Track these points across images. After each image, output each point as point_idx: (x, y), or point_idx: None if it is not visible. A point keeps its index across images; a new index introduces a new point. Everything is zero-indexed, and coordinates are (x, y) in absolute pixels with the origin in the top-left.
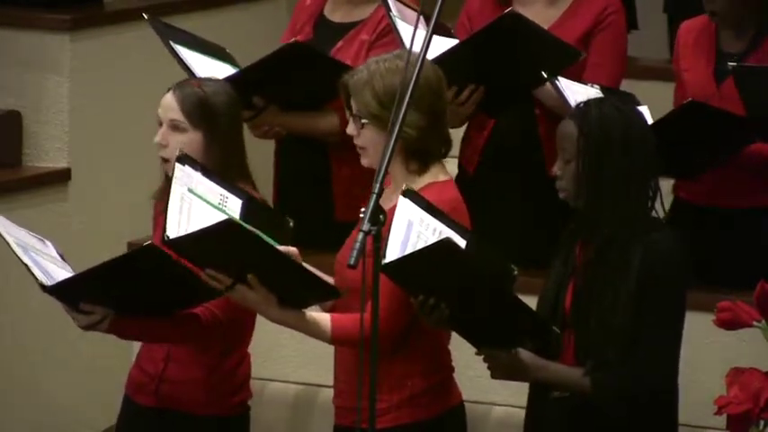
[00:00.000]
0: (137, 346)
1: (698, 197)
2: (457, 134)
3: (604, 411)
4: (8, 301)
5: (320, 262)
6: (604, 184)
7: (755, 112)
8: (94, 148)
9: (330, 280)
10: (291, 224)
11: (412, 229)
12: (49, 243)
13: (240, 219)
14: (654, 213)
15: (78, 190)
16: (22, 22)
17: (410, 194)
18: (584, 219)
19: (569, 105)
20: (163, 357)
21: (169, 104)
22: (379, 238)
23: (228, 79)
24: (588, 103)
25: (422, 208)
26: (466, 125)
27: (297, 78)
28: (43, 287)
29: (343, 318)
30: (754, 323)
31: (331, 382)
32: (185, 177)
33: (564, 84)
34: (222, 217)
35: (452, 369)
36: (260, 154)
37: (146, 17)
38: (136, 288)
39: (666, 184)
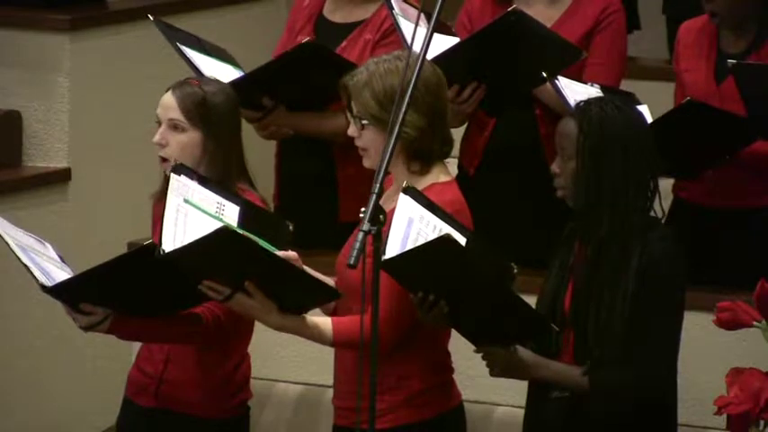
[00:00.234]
0: (137, 346)
1: (698, 197)
2: (457, 134)
3: (603, 411)
4: (8, 302)
5: (324, 263)
6: (603, 183)
7: (755, 110)
8: (94, 148)
9: (330, 281)
10: (290, 227)
11: (412, 227)
12: (48, 244)
13: (238, 225)
14: (653, 213)
15: (78, 190)
16: (22, 22)
17: (411, 192)
18: (584, 218)
19: (569, 105)
20: (163, 358)
21: (168, 104)
22: (380, 238)
23: (241, 79)
24: (588, 102)
25: (422, 205)
26: (466, 126)
27: (307, 78)
28: (43, 287)
29: (343, 321)
30: (754, 323)
31: (331, 383)
32: (181, 187)
33: (563, 83)
34: (218, 225)
35: (452, 370)
36: (260, 154)
37: (151, 19)
38: (136, 288)
39: (666, 184)
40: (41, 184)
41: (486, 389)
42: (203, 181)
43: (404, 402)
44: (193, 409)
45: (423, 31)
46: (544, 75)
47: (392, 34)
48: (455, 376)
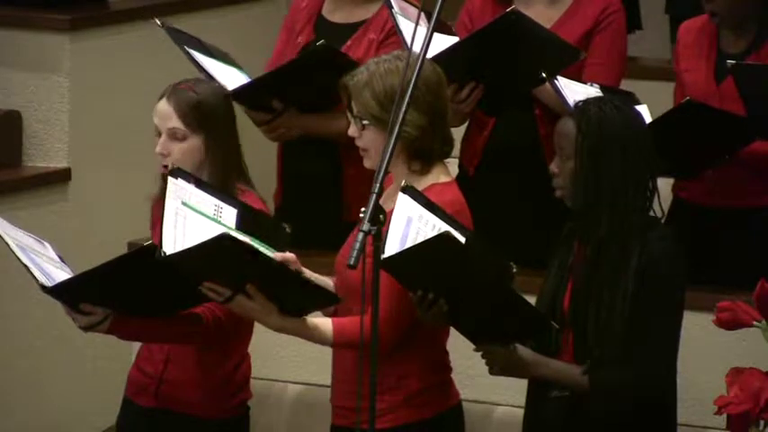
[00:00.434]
0: (137, 346)
1: (698, 197)
2: (457, 134)
3: (603, 410)
4: (8, 302)
5: (324, 263)
6: (602, 183)
7: (755, 110)
8: (94, 148)
9: (330, 281)
10: (288, 230)
11: (411, 226)
12: (47, 245)
13: (236, 228)
14: (653, 213)
15: (78, 190)
16: (22, 22)
17: (409, 191)
18: (583, 218)
19: (568, 104)
20: (163, 358)
21: (165, 113)
22: (380, 238)
23: (254, 82)
24: (587, 101)
25: (421, 204)
26: (466, 126)
27: (316, 80)
28: (43, 288)
29: (344, 321)
30: (754, 323)
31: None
32: (179, 191)
33: (562, 83)
34: (218, 228)
35: (450, 369)
36: (260, 154)
37: (159, 23)
38: (136, 288)
39: (666, 184)
40: (41, 184)
41: (486, 388)
42: (200, 184)
43: (403, 402)
44: (193, 409)
45: (423, 30)
46: (543, 75)
47: (396, 34)
48: (454, 376)
